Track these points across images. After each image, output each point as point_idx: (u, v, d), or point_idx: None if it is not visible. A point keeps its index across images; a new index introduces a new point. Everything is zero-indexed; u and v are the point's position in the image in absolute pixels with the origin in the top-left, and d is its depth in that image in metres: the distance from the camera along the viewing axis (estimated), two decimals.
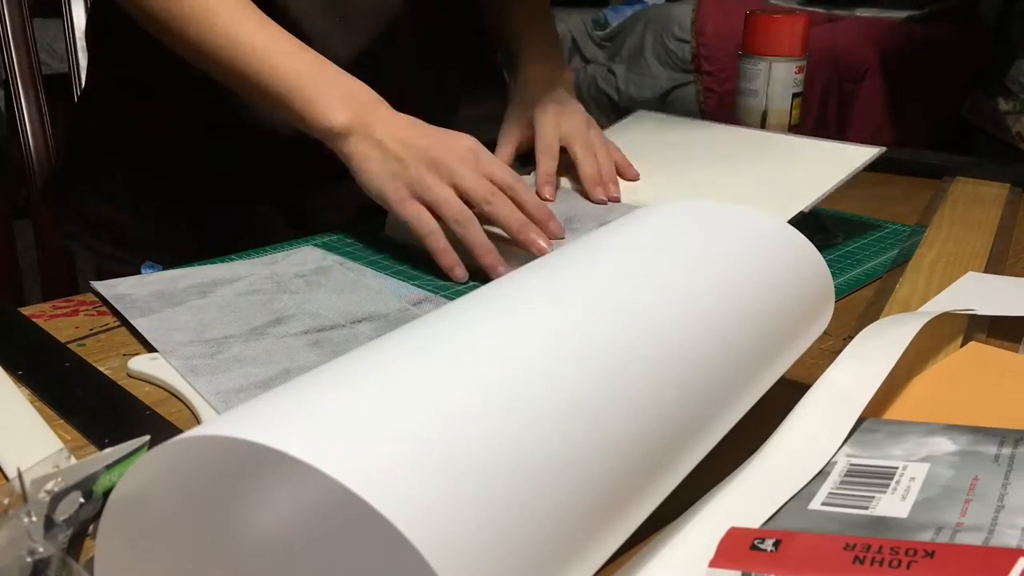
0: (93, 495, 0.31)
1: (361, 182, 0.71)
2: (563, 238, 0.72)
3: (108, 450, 0.32)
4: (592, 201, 0.82)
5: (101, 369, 0.54)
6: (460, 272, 0.69)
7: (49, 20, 1.31)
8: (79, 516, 0.31)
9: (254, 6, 0.72)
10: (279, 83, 0.70)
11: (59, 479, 0.31)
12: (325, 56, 0.73)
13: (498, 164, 0.72)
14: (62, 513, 0.30)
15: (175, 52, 0.74)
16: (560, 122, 0.86)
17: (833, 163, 0.80)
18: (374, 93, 0.72)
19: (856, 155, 0.80)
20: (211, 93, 0.78)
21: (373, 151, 0.70)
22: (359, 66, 0.75)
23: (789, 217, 0.73)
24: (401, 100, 0.74)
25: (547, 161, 0.84)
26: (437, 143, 0.70)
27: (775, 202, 0.76)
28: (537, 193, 0.81)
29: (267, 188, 0.87)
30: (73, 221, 0.91)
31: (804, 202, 0.75)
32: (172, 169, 0.86)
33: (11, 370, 0.53)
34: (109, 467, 0.32)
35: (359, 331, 0.58)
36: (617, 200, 0.82)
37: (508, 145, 0.87)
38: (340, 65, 0.73)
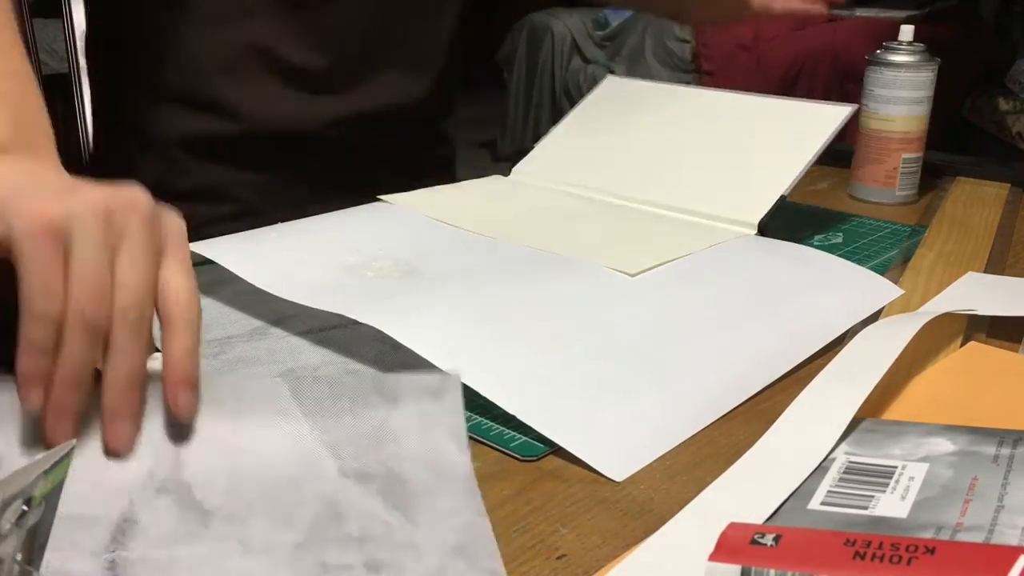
0: (33, 501, 0.32)
1: None
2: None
3: (40, 457, 0.33)
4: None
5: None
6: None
7: (49, 20, 1.31)
8: (24, 523, 0.32)
9: None
10: None
11: None
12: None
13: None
14: (7, 521, 0.31)
15: None
16: None
17: (809, 128, 0.81)
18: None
19: (832, 115, 0.82)
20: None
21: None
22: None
23: (769, 207, 0.75)
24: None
25: None
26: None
27: (754, 189, 0.77)
28: None
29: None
30: None
31: (781, 187, 0.76)
32: None
33: (11, 370, 0.53)
34: (46, 473, 0.32)
35: (361, 331, 0.58)
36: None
37: None
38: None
